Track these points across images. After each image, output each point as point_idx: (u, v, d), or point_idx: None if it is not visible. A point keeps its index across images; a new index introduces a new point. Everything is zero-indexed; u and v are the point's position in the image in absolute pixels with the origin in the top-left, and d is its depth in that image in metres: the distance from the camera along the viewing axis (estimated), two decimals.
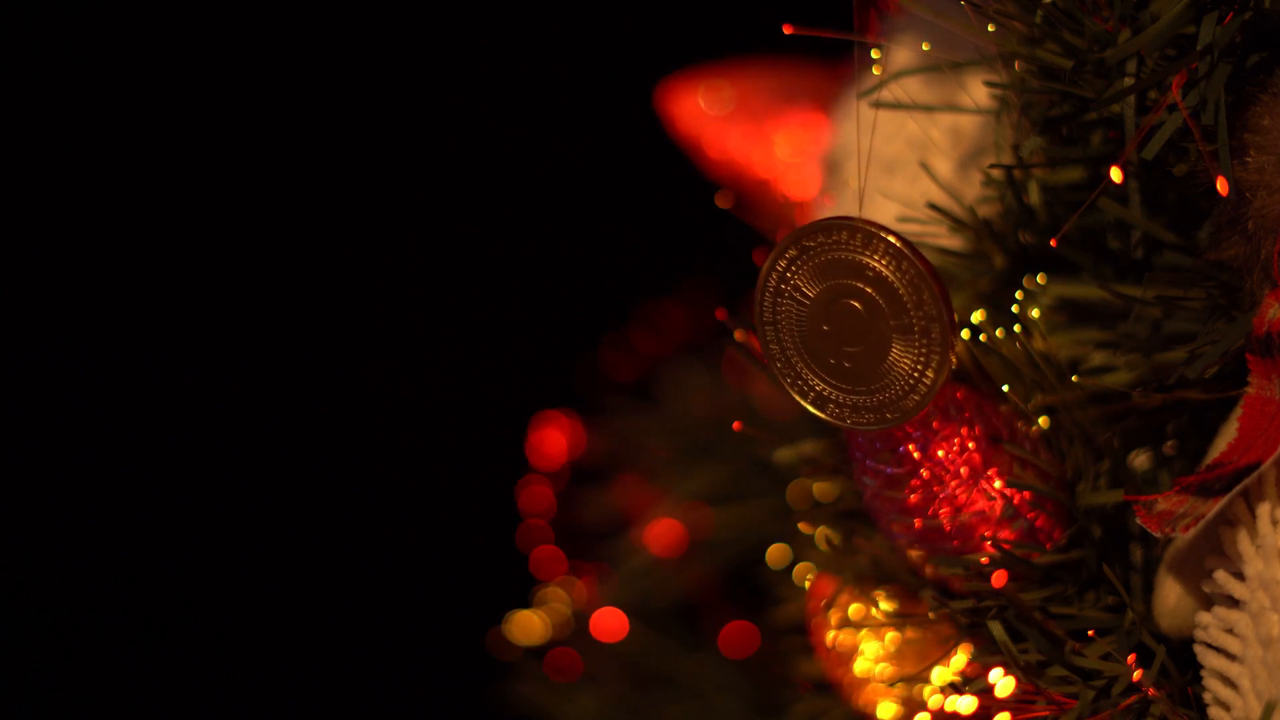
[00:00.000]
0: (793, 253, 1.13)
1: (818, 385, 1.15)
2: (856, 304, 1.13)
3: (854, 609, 1.29)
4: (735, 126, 1.66)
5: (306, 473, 2.31)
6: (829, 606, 1.29)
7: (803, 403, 1.15)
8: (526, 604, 1.79)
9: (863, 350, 1.13)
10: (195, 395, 2.30)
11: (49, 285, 2.29)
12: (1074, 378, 1.19)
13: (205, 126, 2.29)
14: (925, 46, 1.28)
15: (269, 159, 2.30)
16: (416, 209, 2.33)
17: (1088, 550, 1.19)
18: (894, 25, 1.34)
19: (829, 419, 1.15)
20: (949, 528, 1.18)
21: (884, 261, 1.12)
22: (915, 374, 1.12)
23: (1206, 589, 1.12)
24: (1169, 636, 1.17)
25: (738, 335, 1.28)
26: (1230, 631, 1.11)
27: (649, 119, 1.69)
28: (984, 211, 1.25)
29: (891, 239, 1.11)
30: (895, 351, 1.12)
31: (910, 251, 1.11)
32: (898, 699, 1.30)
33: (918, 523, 1.18)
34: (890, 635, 1.30)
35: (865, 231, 1.11)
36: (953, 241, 1.26)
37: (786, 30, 1.20)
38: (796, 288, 1.14)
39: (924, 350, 1.12)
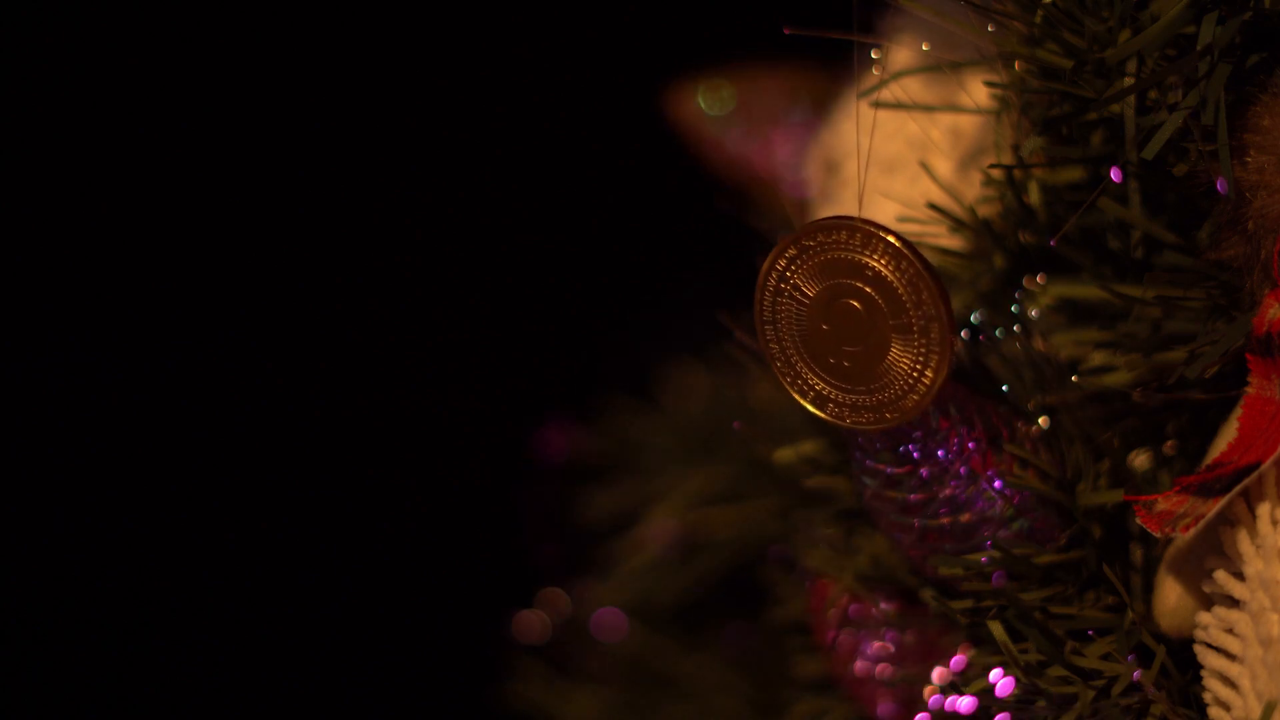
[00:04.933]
0: (792, 252, 1.13)
1: (817, 385, 1.15)
2: (856, 303, 1.13)
3: (854, 609, 1.29)
4: (736, 127, 1.66)
5: (306, 472, 2.31)
6: (829, 606, 1.29)
7: (802, 402, 1.15)
8: (526, 604, 1.79)
9: (862, 350, 1.13)
10: (195, 395, 2.30)
11: (49, 285, 2.29)
12: (1074, 378, 1.19)
13: (205, 127, 2.29)
14: (925, 46, 1.28)
15: (269, 159, 2.30)
16: (417, 209, 2.33)
17: (1088, 550, 1.19)
18: (894, 25, 1.34)
19: (828, 418, 1.15)
20: (949, 527, 1.18)
21: (883, 261, 1.12)
22: (914, 373, 1.12)
23: (1206, 589, 1.12)
24: (1169, 636, 1.17)
25: (738, 335, 1.28)
26: (1230, 631, 1.11)
27: (650, 120, 1.69)
28: (984, 211, 1.25)
29: (890, 238, 1.11)
30: (894, 351, 1.12)
31: (909, 251, 1.11)
32: (898, 699, 1.30)
33: (917, 523, 1.18)
34: (890, 635, 1.30)
35: (864, 231, 1.11)
36: (953, 241, 1.26)
37: (786, 30, 1.20)
38: (796, 287, 1.14)
39: (923, 350, 1.12)
